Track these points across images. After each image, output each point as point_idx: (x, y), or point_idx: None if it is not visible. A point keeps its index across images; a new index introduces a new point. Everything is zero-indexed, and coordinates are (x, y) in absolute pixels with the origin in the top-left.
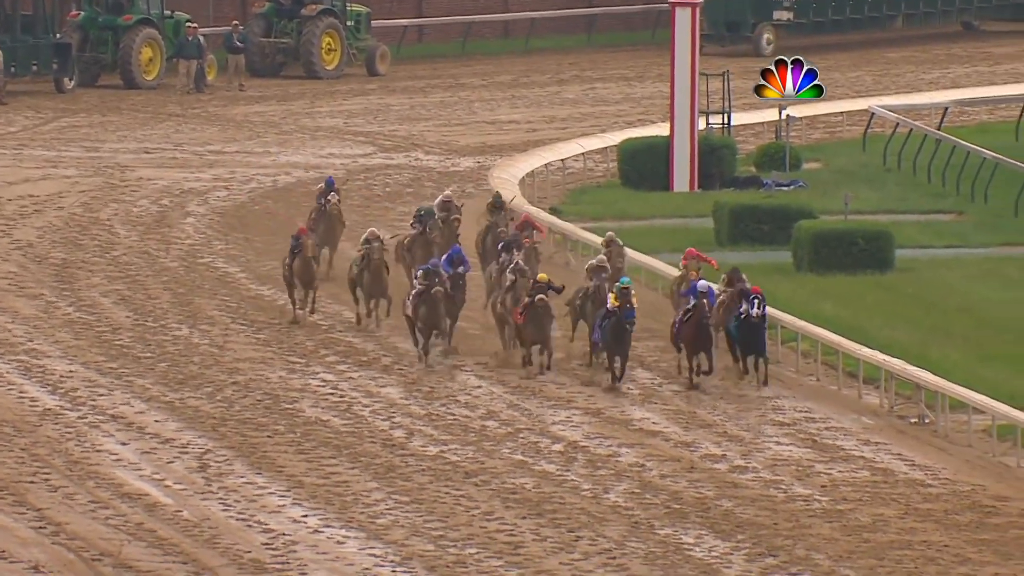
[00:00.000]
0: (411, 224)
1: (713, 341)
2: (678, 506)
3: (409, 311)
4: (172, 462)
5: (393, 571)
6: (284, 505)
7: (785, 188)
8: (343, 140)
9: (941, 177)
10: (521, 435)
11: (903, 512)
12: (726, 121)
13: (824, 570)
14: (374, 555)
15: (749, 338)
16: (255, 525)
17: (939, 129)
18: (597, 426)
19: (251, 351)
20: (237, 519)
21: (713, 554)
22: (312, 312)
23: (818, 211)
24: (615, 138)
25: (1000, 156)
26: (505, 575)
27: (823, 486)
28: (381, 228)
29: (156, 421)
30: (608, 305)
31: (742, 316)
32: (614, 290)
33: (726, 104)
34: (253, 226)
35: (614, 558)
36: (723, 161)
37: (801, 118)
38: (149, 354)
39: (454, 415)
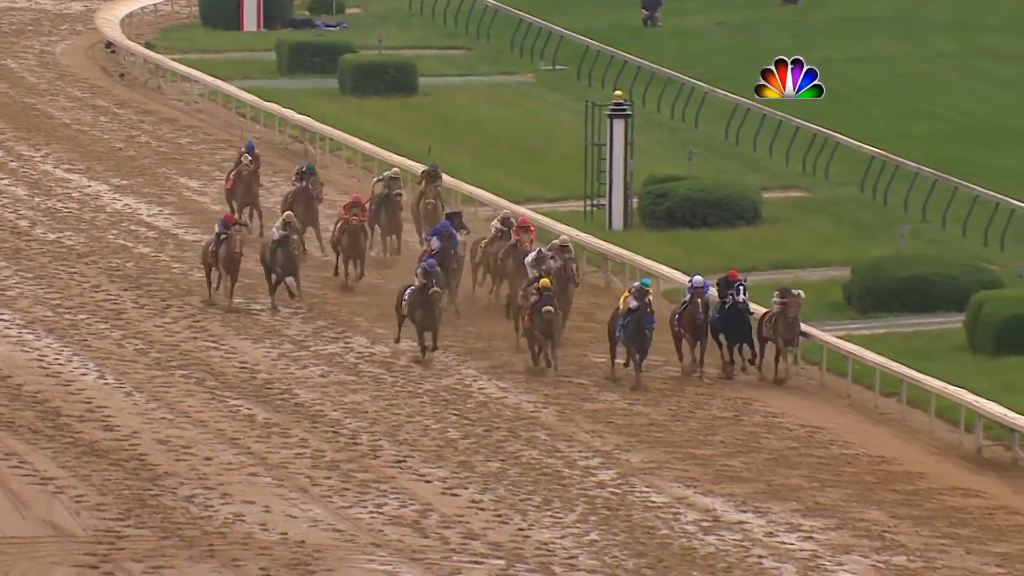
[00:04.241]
0: (292, 181)
1: (707, 332)
2: (250, 281)
3: (405, 310)
4: None
5: (19, 333)
6: None
7: (332, 28)
8: None
9: (454, 20)
10: (122, 224)
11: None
12: None
13: (362, 330)
14: (3, 320)
15: (734, 325)
16: None
17: None
18: (185, 218)
19: None
20: None
21: (276, 319)
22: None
23: (358, 47)
24: None
25: (500, 4)
26: (110, 335)
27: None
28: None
29: None
30: (627, 304)
31: (727, 304)
32: (631, 289)
33: None
34: None
35: (197, 321)
36: (283, 6)
37: None
38: None
39: (69, 209)
